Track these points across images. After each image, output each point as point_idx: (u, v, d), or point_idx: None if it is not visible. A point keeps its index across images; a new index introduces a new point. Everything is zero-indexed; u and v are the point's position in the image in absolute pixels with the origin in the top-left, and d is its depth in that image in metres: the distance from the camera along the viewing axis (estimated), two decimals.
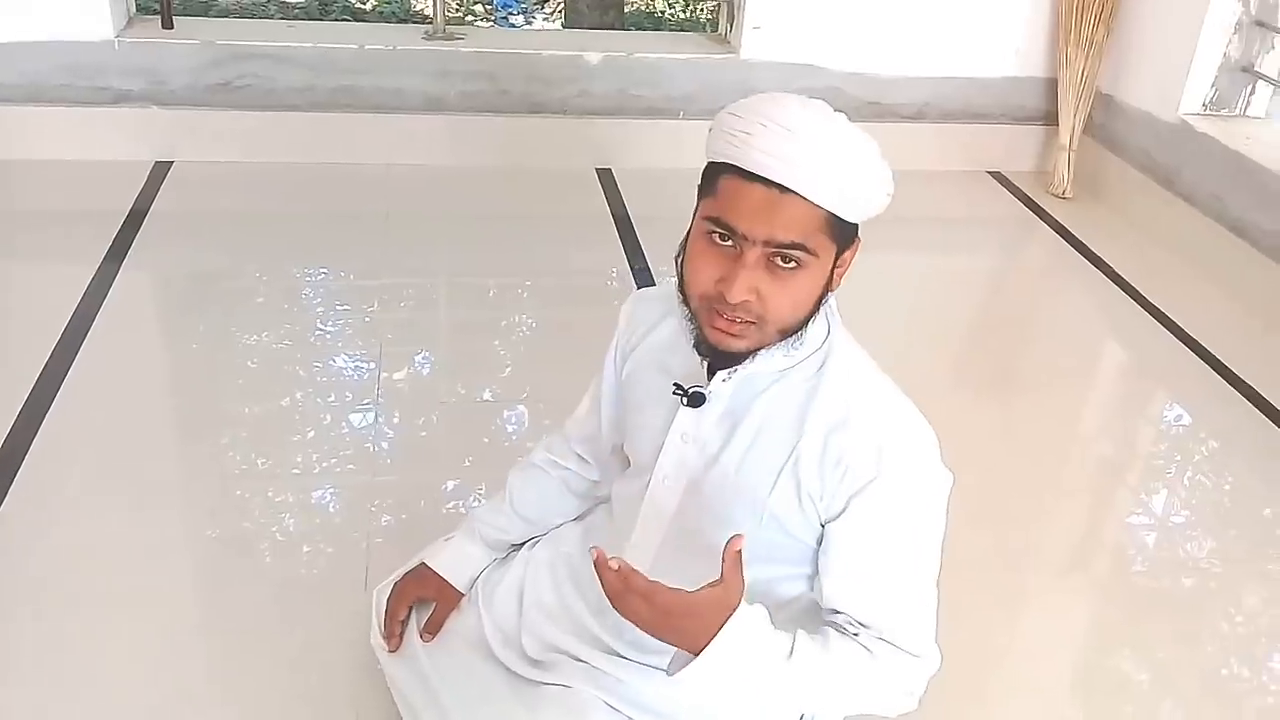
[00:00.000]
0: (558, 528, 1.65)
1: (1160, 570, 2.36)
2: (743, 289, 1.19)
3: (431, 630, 1.58)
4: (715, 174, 1.22)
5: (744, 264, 1.18)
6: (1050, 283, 3.67)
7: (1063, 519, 2.49)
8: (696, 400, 1.34)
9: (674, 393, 1.35)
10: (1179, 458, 2.78)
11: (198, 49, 3.61)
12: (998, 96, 4.13)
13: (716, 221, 1.20)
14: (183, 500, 2.27)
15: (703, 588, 1.14)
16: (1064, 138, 4.02)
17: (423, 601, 1.62)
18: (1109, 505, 2.59)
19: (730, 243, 1.19)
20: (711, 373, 1.34)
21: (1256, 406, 2.91)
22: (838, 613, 1.31)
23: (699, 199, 1.26)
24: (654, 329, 1.45)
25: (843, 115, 1.23)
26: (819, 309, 1.27)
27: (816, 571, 1.34)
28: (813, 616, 1.36)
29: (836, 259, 1.25)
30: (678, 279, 1.30)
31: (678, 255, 1.30)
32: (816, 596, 1.34)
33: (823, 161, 1.17)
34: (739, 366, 1.31)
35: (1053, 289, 3.62)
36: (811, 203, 1.17)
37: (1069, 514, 2.51)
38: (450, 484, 2.37)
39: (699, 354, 1.31)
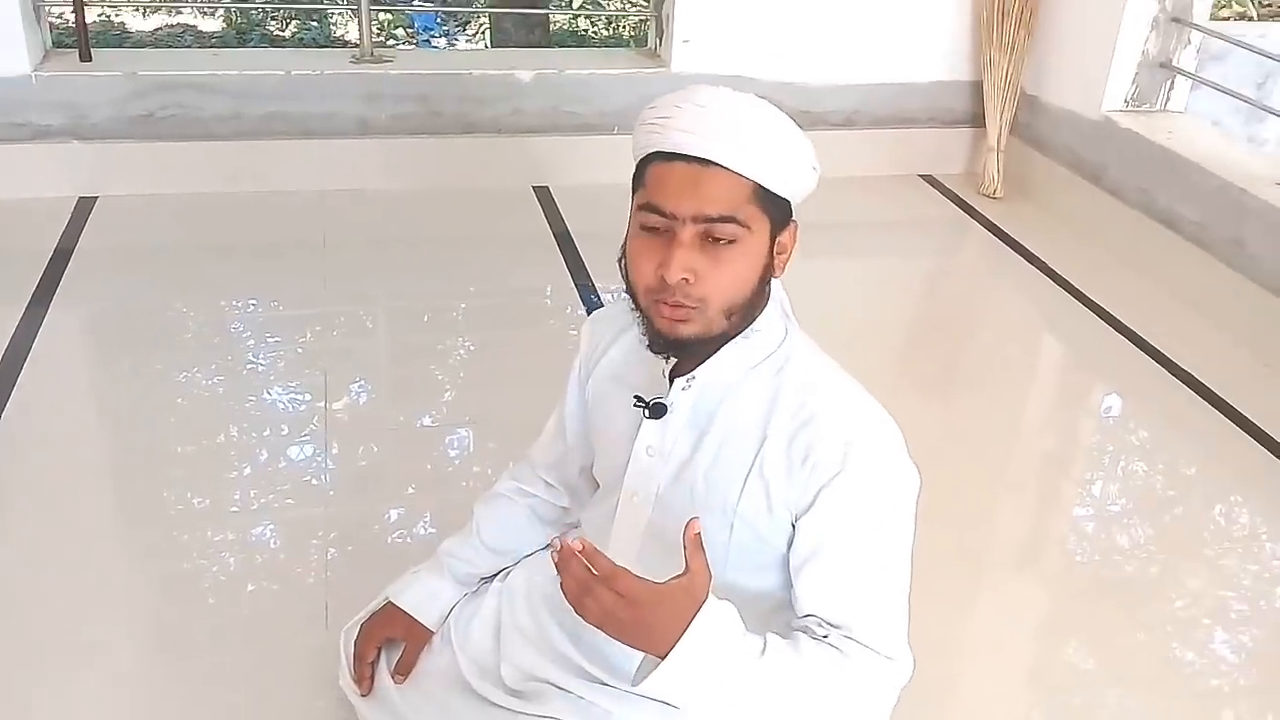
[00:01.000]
0: (529, 556, 1.62)
1: (1106, 559, 2.38)
2: (679, 267, 1.19)
3: (403, 671, 1.55)
4: (642, 167, 1.25)
5: (678, 244, 1.20)
6: (986, 281, 3.72)
7: (1011, 514, 2.51)
8: (658, 411, 1.33)
9: (635, 405, 1.34)
10: (1120, 447, 2.83)
11: (118, 81, 3.53)
12: (926, 100, 4.19)
13: (647, 207, 1.22)
14: (123, 544, 2.20)
15: (669, 580, 1.12)
16: (992, 139, 4.08)
17: (392, 642, 1.58)
18: (1056, 498, 2.63)
19: (664, 229, 1.21)
20: (672, 382, 1.33)
21: (1195, 391, 2.97)
22: (809, 616, 1.30)
23: (632, 198, 1.27)
24: (612, 344, 1.45)
25: (751, 94, 1.27)
26: (763, 291, 1.28)
27: (785, 579, 1.34)
28: (784, 622, 1.34)
29: (774, 240, 1.26)
30: (624, 282, 1.30)
31: (620, 258, 1.31)
32: (791, 601, 1.33)
33: (740, 131, 1.20)
34: (696, 373, 1.30)
35: (989, 287, 3.66)
36: (735, 173, 1.20)
37: (1017, 509, 2.54)
38: (394, 513, 2.33)
39: (654, 353, 1.30)
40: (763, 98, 1.27)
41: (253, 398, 2.69)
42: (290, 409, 2.66)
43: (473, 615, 1.56)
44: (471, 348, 3.05)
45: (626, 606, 1.11)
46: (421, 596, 1.59)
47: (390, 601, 1.60)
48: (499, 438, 2.60)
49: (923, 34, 4.09)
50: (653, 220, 1.22)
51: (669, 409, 1.33)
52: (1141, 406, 2.99)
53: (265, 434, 2.55)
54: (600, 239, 3.54)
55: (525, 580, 1.57)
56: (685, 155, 1.20)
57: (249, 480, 2.39)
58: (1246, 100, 3.90)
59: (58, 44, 3.71)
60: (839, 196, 3.83)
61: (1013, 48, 3.98)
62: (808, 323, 1.34)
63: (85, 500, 2.31)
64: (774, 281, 1.34)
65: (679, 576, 1.13)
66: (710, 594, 1.14)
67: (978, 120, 4.20)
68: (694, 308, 1.23)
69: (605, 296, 3.21)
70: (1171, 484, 2.68)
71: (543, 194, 3.85)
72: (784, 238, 1.28)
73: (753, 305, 1.28)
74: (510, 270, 3.40)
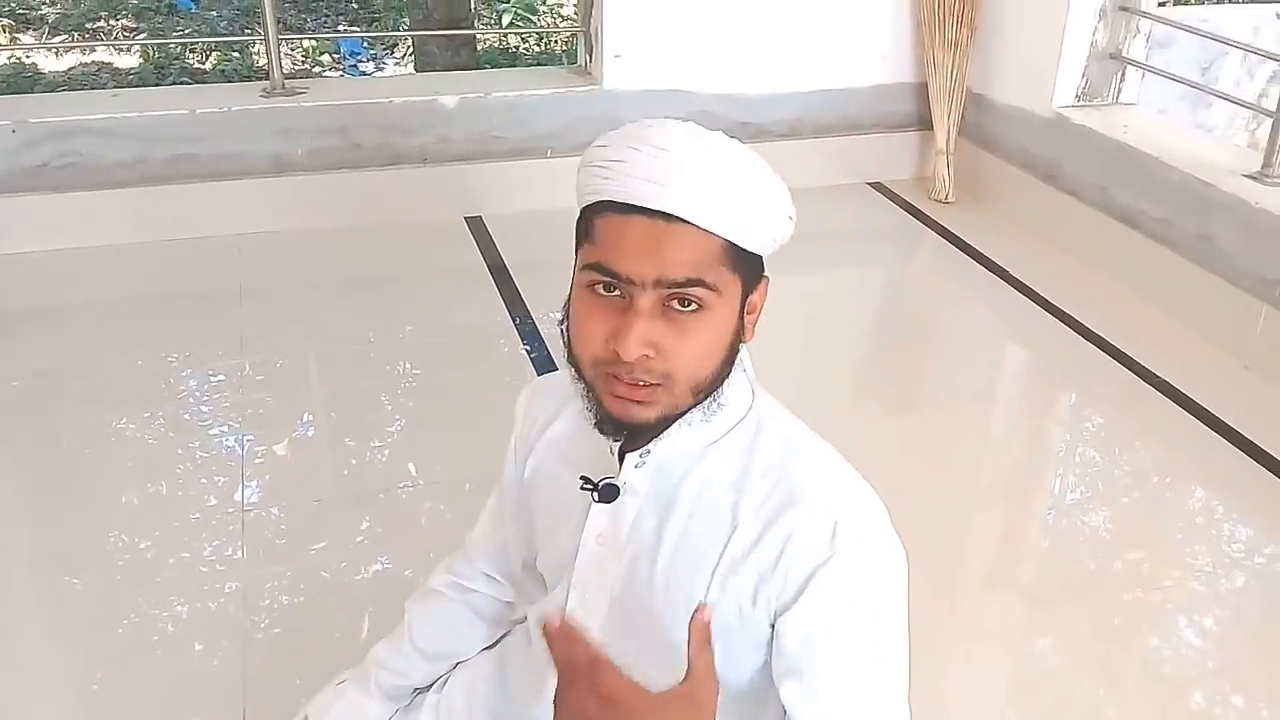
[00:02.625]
0: (467, 661, 1.40)
1: (1091, 569, 2.28)
2: (637, 343, 1.00)
3: None
4: (590, 217, 1.04)
5: (636, 313, 1.01)
6: (942, 289, 3.60)
7: (979, 535, 2.41)
8: (608, 494, 1.13)
9: (582, 487, 1.15)
10: (1092, 458, 2.71)
11: (8, 130, 3.29)
12: (869, 105, 4.05)
13: (598, 268, 1.02)
14: (28, 604, 2.08)
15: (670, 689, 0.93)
16: (940, 141, 3.95)
17: None
18: (1025, 515, 2.52)
19: (617, 292, 1.02)
20: (623, 460, 1.13)
21: (1169, 397, 2.84)
22: None
23: (576, 250, 1.07)
24: (555, 419, 1.24)
25: (720, 133, 1.07)
26: (733, 360, 1.09)
27: (768, 682, 1.14)
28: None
29: (744, 300, 1.07)
30: (565, 349, 1.10)
31: (561, 321, 1.10)
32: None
33: (710, 181, 1.00)
34: (650, 446, 1.11)
35: (946, 295, 3.55)
36: (703, 230, 1.00)
37: (985, 529, 2.44)
38: (321, 589, 2.13)
39: (603, 434, 1.11)
40: (719, 131, 1.08)
41: (167, 461, 2.50)
42: (208, 471, 2.47)
43: None
44: (406, 394, 2.86)
45: (608, 713, 0.91)
46: (346, 717, 1.37)
47: None
48: (444, 491, 2.43)
49: (862, 37, 3.95)
50: (604, 282, 1.03)
51: (621, 491, 1.13)
52: (1114, 414, 2.86)
53: (180, 497, 2.38)
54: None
55: (465, 691, 1.36)
56: (644, 209, 1.00)
57: (162, 554, 2.21)
58: (1209, 91, 3.79)
59: None
60: None
61: (957, 46, 3.85)
62: (759, 341, 1.17)
63: None
64: None
65: (680, 683, 0.94)
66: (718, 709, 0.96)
67: (925, 123, 4.07)
68: (657, 385, 1.04)
69: (543, 330, 3.03)
70: (1147, 488, 2.57)
71: (475, 224, 3.68)
72: (754, 297, 1.09)
73: (721, 377, 1.08)
74: (445, 308, 3.22)
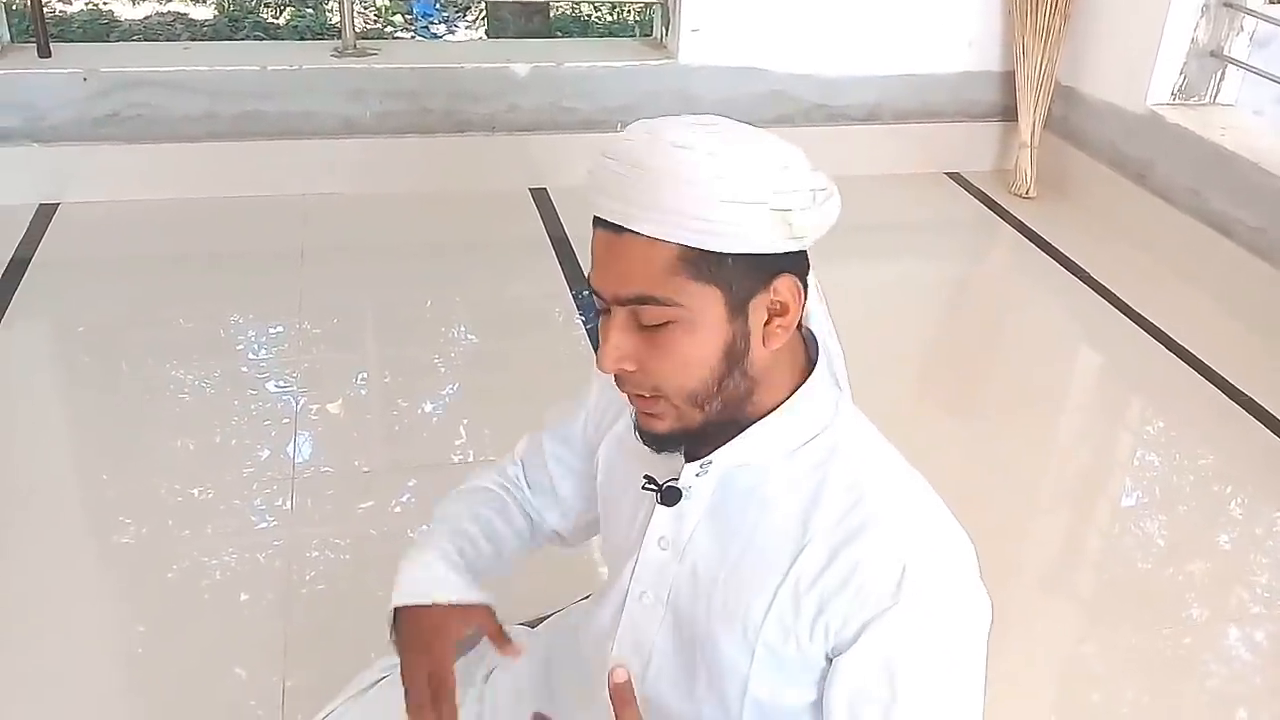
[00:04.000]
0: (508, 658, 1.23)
1: (1150, 583, 2.19)
2: (610, 358, 0.99)
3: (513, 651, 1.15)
4: None
5: (608, 329, 1.00)
6: (1017, 287, 3.48)
7: (1041, 542, 2.32)
8: (671, 497, 1.08)
9: (644, 486, 1.09)
10: (1167, 476, 2.59)
11: (80, 78, 3.28)
12: (952, 93, 3.92)
13: (587, 283, 1.02)
14: (82, 557, 2.08)
15: None
16: (1024, 134, 3.81)
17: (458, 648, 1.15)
18: (1091, 527, 2.41)
19: (604, 308, 1.02)
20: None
21: (1253, 414, 2.71)
22: None
23: None
24: (624, 412, 1.18)
25: (746, 126, 1.00)
26: (736, 369, 1.00)
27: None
28: None
29: (741, 307, 0.97)
30: None
31: None
32: None
33: (658, 181, 0.93)
34: (714, 457, 1.05)
35: (1021, 294, 3.43)
36: (651, 239, 0.94)
37: (1048, 537, 2.34)
38: (373, 531, 2.13)
39: (645, 445, 1.06)
40: (720, 116, 1.02)
41: (222, 418, 2.49)
42: (262, 427, 2.46)
43: None
44: (460, 362, 2.83)
45: None
46: (431, 579, 1.17)
47: (416, 606, 1.16)
48: (500, 453, 2.37)
49: (949, 21, 3.82)
50: (595, 299, 1.01)
51: (683, 495, 1.07)
52: (1192, 430, 2.72)
53: (234, 448, 2.38)
54: None
55: (510, 690, 1.30)
56: (605, 222, 0.98)
57: (213, 505, 2.21)
58: None
59: (18, 38, 3.45)
60: (859, 196, 3.61)
61: (1048, 35, 3.70)
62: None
63: (41, 518, 2.16)
64: (824, 339, 1.07)
65: None
66: None
67: (1009, 114, 3.92)
68: (653, 398, 1.01)
69: None
70: (1230, 509, 2.45)
71: (540, 196, 3.61)
72: (773, 299, 0.99)
73: (729, 386, 1.00)
74: (506, 279, 3.17)
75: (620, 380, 1.01)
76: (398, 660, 1.13)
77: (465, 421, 2.56)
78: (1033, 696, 1.93)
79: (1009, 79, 3.89)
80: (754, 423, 1.03)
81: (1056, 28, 3.69)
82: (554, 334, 2.93)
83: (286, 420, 2.46)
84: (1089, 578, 2.27)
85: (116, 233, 3.25)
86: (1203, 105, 3.49)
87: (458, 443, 2.47)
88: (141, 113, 3.34)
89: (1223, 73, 3.47)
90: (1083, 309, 3.21)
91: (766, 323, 1.00)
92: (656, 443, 1.04)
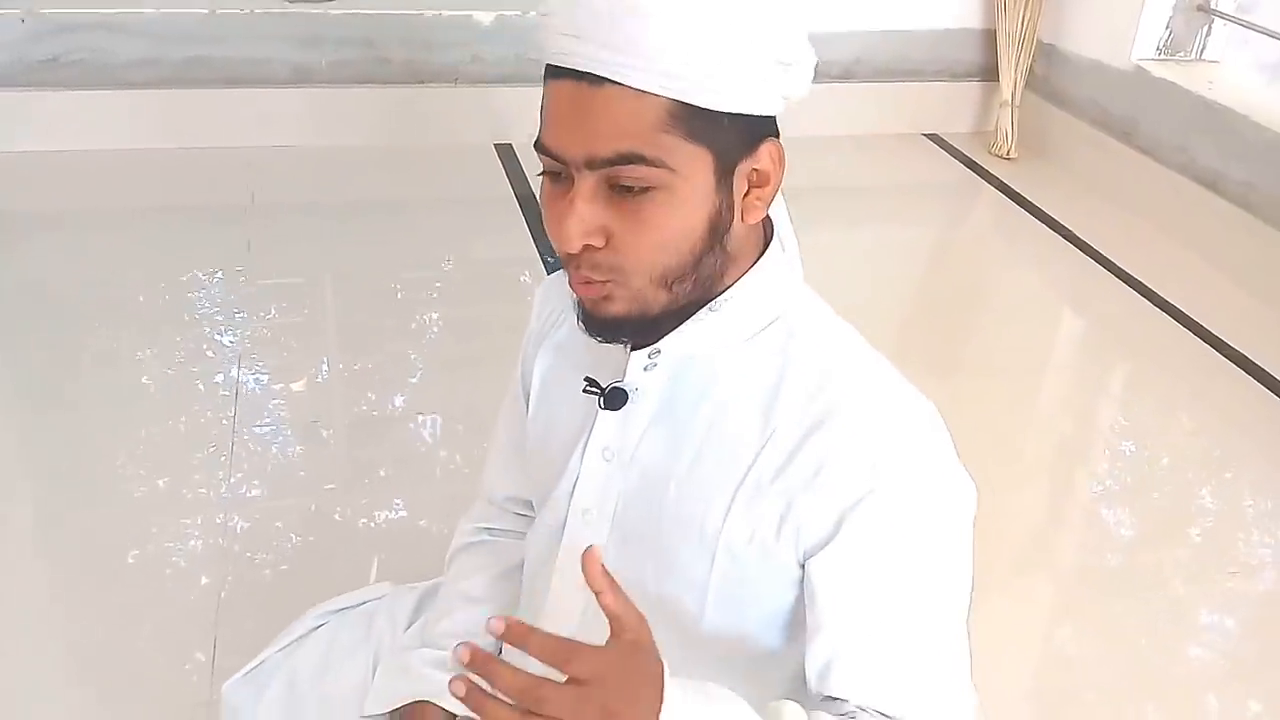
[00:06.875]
0: None
1: (1138, 551, 2.13)
2: (575, 233, 0.85)
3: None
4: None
5: (571, 199, 0.85)
6: (999, 248, 3.40)
7: (1027, 508, 2.22)
8: (616, 400, 0.97)
9: (586, 389, 0.98)
10: (1158, 436, 2.51)
11: (16, 20, 3.12)
12: (931, 51, 3.83)
13: (538, 148, 0.87)
14: (21, 525, 1.98)
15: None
16: (1005, 93, 3.72)
17: None
18: (1073, 492, 2.32)
19: (563, 174, 0.87)
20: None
21: (1245, 370, 2.64)
22: (835, 700, 0.92)
23: None
24: (564, 318, 1.06)
25: None
26: (715, 245, 0.89)
27: (793, 632, 0.96)
28: (769, 683, 0.97)
29: (728, 174, 0.86)
30: None
31: None
32: (806, 672, 0.94)
33: (641, 26, 0.80)
34: (661, 345, 0.93)
35: (1003, 254, 3.35)
36: (637, 90, 0.81)
37: (1033, 502, 2.25)
38: (336, 507, 1.99)
39: (590, 335, 0.93)
40: None
41: (163, 380, 2.36)
42: (205, 394, 2.31)
43: None
44: (423, 327, 2.68)
45: (595, 693, 0.75)
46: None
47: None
48: (464, 427, 2.28)
49: None
50: (547, 163, 0.87)
51: (630, 396, 0.96)
52: (1180, 387, 2.65)
53: (174, 420, 2.23)
54: None
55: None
56: (570, 70, 0.83)
57: (151, 468, 2.10)
58: None
59: None
60: (835, 157, 3.63)
61: None
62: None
63: None
64: (778, 212, 0.95)
65: (615, 639, 0.78)
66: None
67: (989, 72, 3.84)
68: (607, 281, 0.87)
69: None
70: (1226, 471, 2.36)
71: (505, 152, 3.48)
72: (758, 165, 0.88)
73: (707, 264, 0.89)
74: (468, 239, 3.04)
75: (577, 262, 0.87)
76: (330, 610, 1.15)
77: (420, 384, 2.44)
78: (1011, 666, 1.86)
79: (990, 37, 3.79)
80: (704, 306, 0.92)
81: None
82: (519, 297, 2.79)
83: (227, 389, 2.32)
84: (1075, 540, 2.19)
85: (54, 184, 3.11)
86: (1189, 61, 3.41)
87: (415, 410, 2.34)
88: (82, 57, 3.20)
89: (1209, 27, 3.40)
90: (1068, 269, 3.13)
91: (745, 194, 0.88)
92: (604, 329, 0.91)
